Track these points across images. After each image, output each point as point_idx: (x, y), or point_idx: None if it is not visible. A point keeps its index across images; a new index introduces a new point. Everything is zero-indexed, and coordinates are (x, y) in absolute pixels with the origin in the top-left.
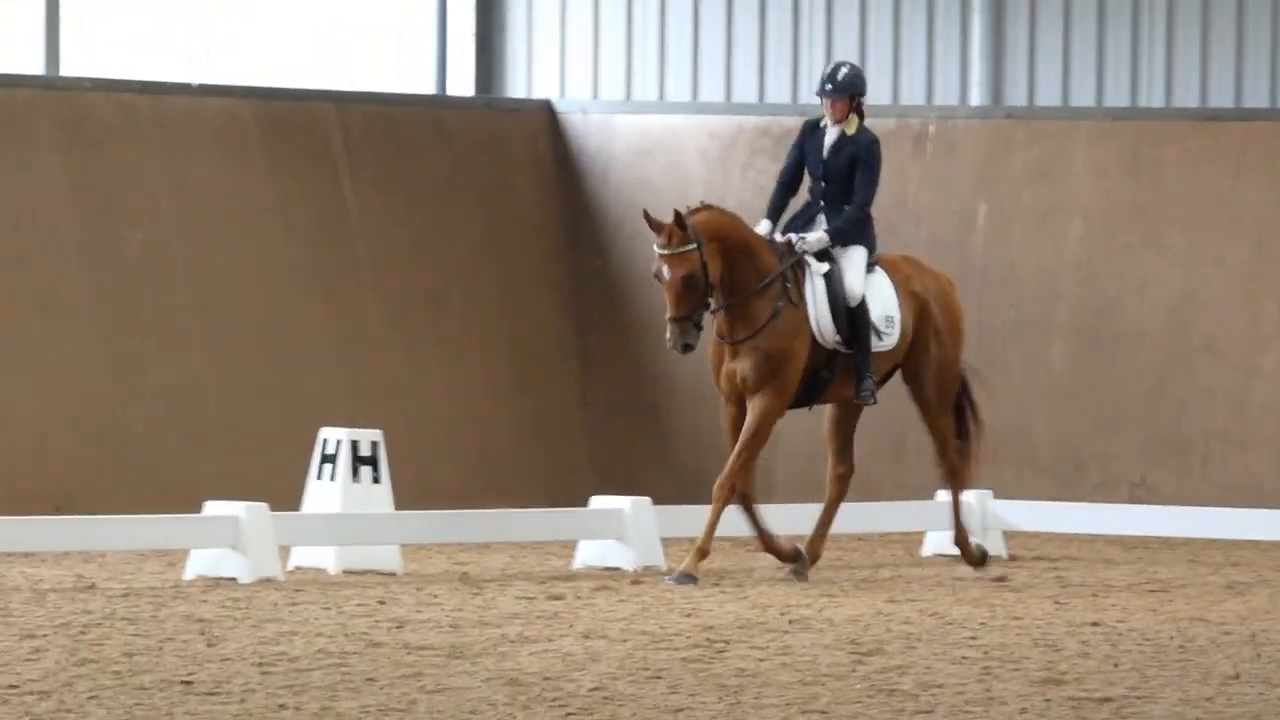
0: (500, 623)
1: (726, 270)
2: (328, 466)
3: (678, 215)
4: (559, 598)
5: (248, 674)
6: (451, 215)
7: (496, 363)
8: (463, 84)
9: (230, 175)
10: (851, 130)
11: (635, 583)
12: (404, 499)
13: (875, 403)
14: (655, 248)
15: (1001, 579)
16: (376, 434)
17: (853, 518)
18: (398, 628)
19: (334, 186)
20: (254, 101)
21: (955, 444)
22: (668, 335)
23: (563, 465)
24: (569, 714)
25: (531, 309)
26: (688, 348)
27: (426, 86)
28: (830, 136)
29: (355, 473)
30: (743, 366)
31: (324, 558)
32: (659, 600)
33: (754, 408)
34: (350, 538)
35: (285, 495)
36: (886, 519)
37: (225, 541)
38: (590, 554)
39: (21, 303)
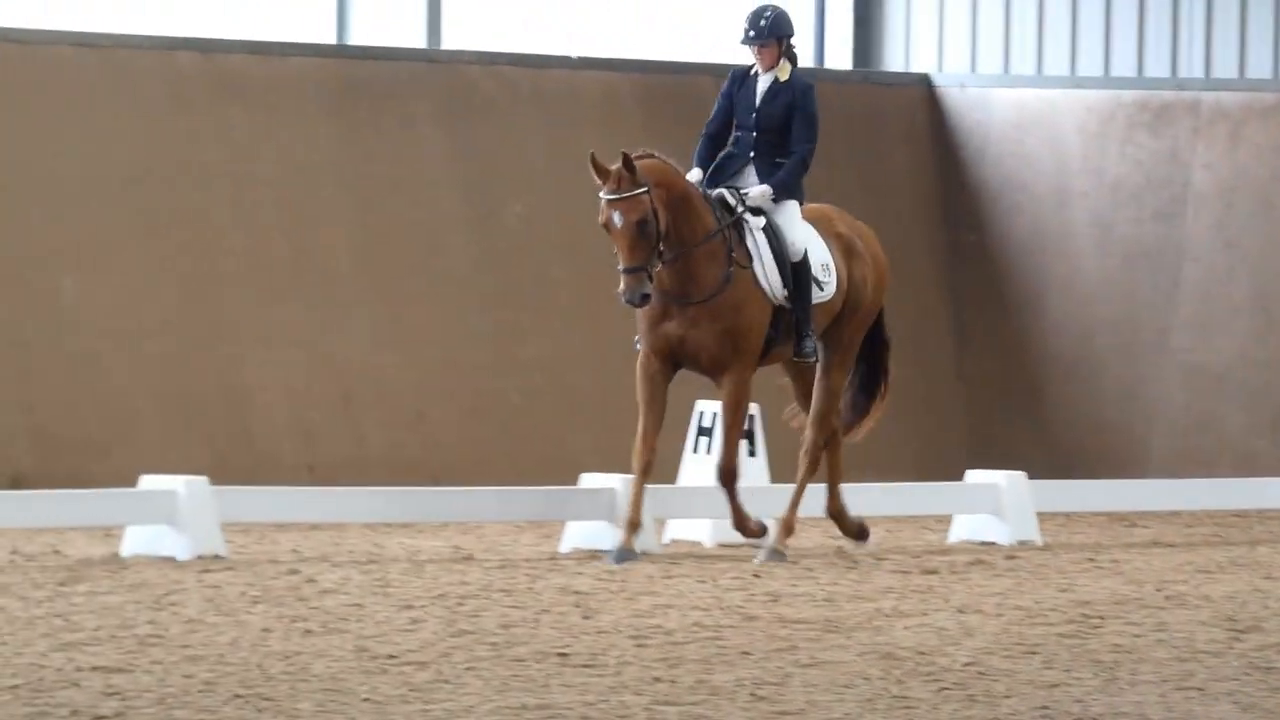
0: (875, 597)
1: (672, 221)
2: (703, 440)
3: (626, 158)
4: (933, 572)
5: (622, 646)
6: (829, 188)
7: None
8: (841, 58)
9: (607, 148)
10: (785, 77)
11: (1010, 558)
12: (779, 472)
13: (817, 359)
14: (602, 195)
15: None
16: (753, 408)
17: (1232, 493)
18: (772, 601)
19: None
20: (631, 75)
21: (839, 405)
22: (620, 288)
23: (938, 439)
24: (943, 689)
25: (908, 282)
26: (645, 298)
27: (804, 60)
28: (762, 84)
29: None
30: (703, 341)
31: (699, 531)
32: (1034, 575)
33: (726, 387)
34: (726, 511)
35: (660, 469)
36: (1268, 495)
37: (601, 514)
38: (965, 528)
39: (404, 275)
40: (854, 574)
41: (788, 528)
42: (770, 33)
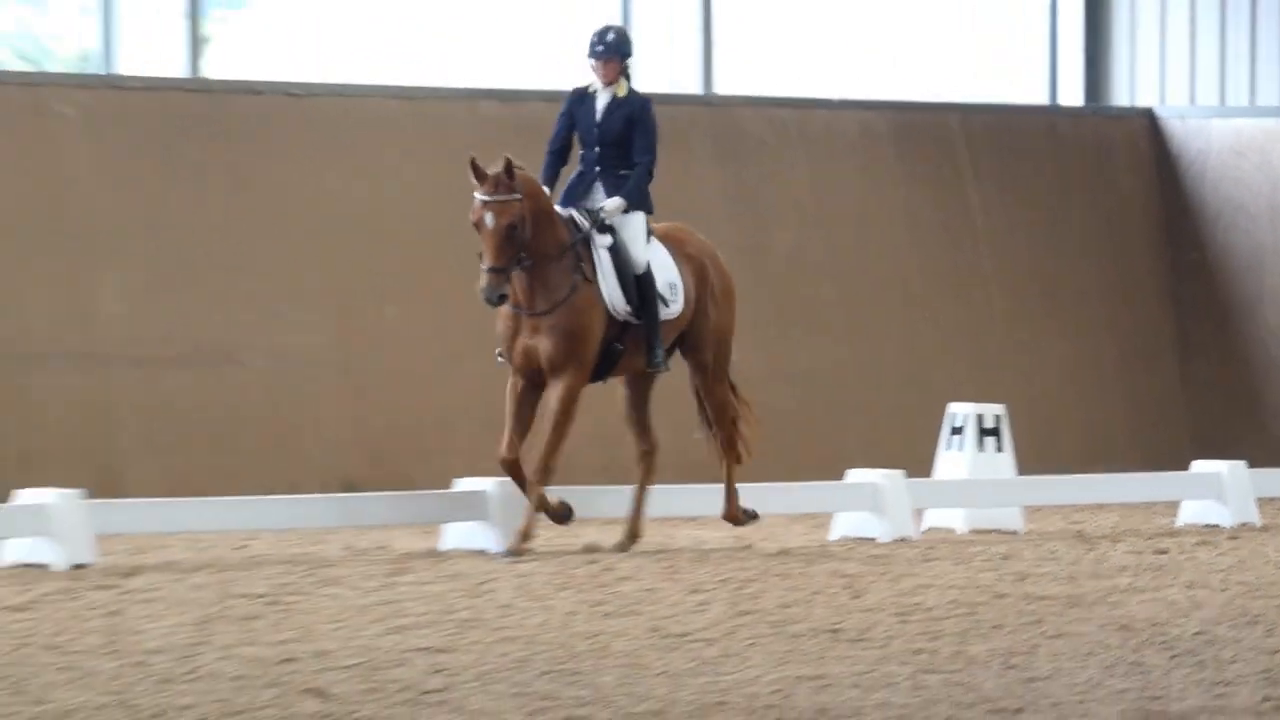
0: (1112, 574)
1: (534, 232)
2: (956, 438)
3: (508, 164)
4: (1164, 552)
5: (888, 623)
6: (1063, 214)
7: (1104, 346)
8: (1073, 95)
9: (865, 182)
10: (623, 93)
11: (1232, 538)
12: (1023, 465)
13: (668, 370)
14: (479, 195)
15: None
16: (1000, 408)
17: None
18: (1020, 580)
19: (959, 191)
20: (886, 114)
21: (733, 413)
22: (482, 285)
23: (1164, 436)
24: (1174, 655)
25: (1135, 297)
26: (502, 298)
27: (1039, 97)
28: (602, 100)
29: (981, 443)
30: (543, 345)
31: (954, 519)
32: (1255, 553)
33: (557, 389)
34: (977, 501)
35: (918, 464)
36: None
37: (866, 505)
38: (1191, 513)
39: None
40: (1093, 555)
41: (733, 517)
42: (614, 50)
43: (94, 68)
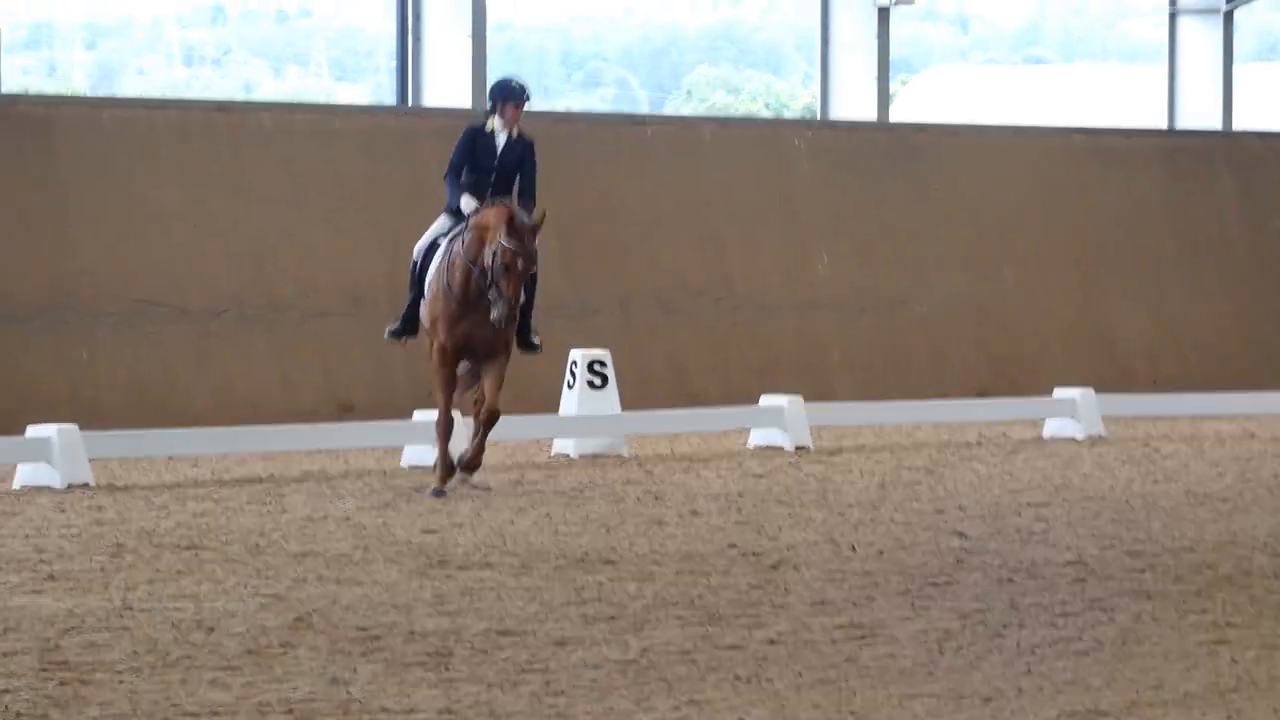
0: None
1: None
2: None
3: (540, 224)
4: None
5: None
6: None
7: None
8: None
9: None
10: (516, 134)
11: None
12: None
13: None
14: (512, 245)
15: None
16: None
17: None
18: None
19: None
20: None
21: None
22: (501, 314)
23: None
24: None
25: None
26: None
27: None
28: (500, 140)
29: None
30: (486, 334)
31: None
32: None
33: (502, 366)
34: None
35: None
36: None
37: None
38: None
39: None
40: None
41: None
42: (528, 99)
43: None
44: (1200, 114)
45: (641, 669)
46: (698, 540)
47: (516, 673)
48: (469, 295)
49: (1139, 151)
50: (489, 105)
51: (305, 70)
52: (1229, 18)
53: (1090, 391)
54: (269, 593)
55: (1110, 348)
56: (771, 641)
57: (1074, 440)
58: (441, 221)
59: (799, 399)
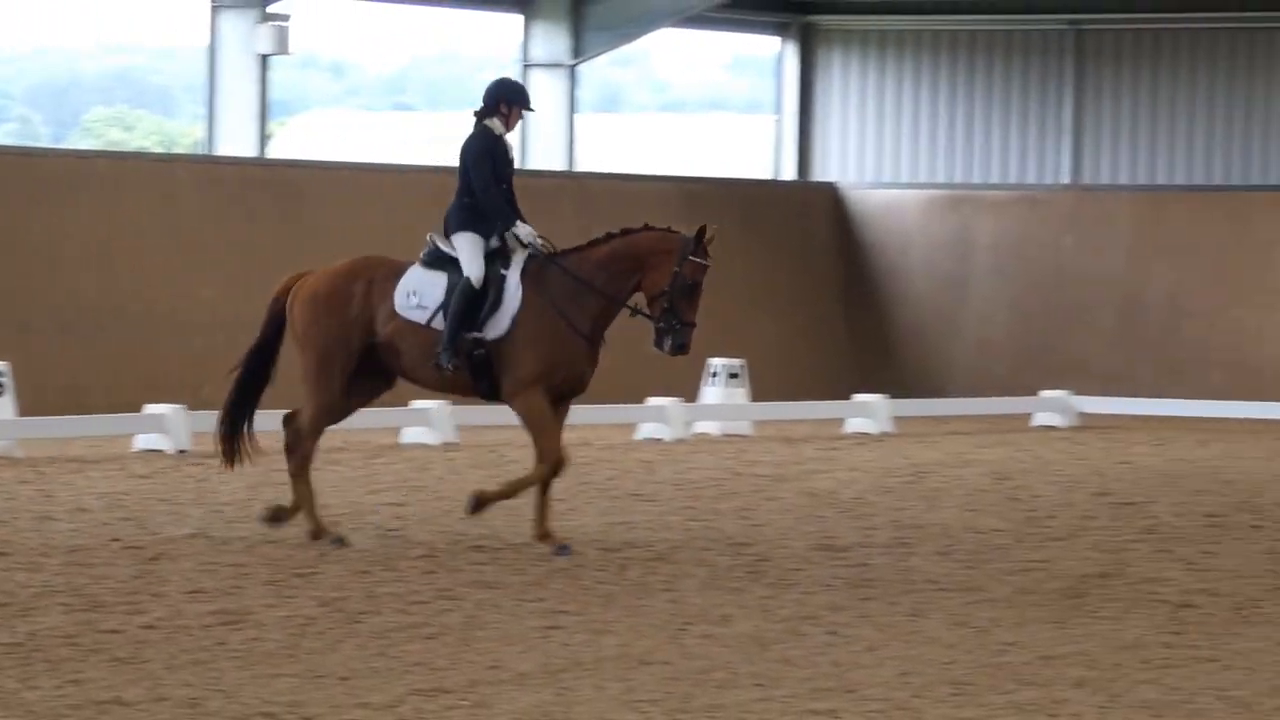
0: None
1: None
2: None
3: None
4: (836, 450)
5: None
6: (784, 252)
7: (799, 321)
8: (789, 170)
9: None
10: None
11: (878, 442)
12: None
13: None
14: (704, 262)
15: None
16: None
17: None
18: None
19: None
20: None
21: None
22: (687, 340)
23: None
24: (839, 511)
25: (819, 295)
26: None
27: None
28: (504, 143)
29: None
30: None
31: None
32: (891, 452)
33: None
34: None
35: None
36: None
37: None
38: (854, 425)
39: None
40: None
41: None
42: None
43: None
44: (549, 156)
45: (28, 652)
46: (84, 535)
47: None
48: (595, 334)
49: None
50: (489, 106)
51: None
52: (573, 72)
53: (445, 404)
54: None
55: None
56: (149, 627)
57: (428, 446)
58: (476, 242)
59: (182, 408)
